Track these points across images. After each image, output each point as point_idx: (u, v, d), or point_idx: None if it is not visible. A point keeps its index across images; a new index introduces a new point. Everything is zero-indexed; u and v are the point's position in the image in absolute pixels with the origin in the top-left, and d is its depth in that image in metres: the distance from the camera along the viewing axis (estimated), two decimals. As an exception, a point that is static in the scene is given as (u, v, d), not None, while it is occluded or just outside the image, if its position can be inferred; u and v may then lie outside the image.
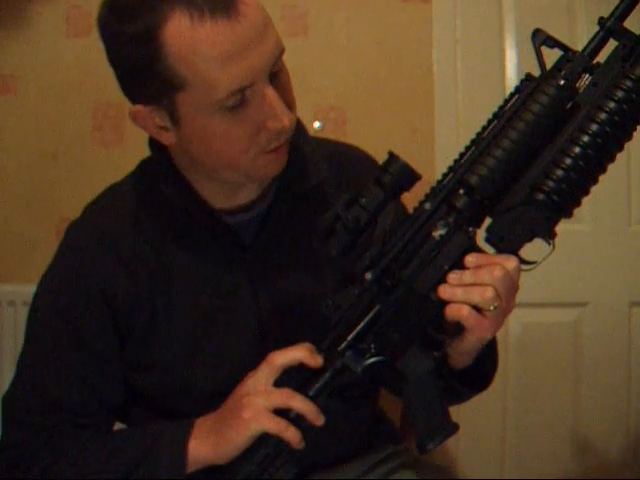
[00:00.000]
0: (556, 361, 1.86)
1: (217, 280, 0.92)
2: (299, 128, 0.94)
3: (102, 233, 0.93)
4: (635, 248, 1.84)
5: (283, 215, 0.94)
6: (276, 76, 0.83)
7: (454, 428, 0.82)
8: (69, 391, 0.91)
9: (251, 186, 0.93)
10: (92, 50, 1.81)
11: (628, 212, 1.83)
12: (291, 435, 0.80)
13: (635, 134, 0.79)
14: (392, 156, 0.81)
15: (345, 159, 1.03)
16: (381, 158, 0.88)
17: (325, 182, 0.96)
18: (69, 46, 1.87)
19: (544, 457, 1.87)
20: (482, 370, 0.91)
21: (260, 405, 0.80)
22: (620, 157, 0.80)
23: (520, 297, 1.85)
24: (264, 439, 0.81)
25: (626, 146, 0.79)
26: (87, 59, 1.84)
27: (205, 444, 0.83)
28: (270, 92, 0.81)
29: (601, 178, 0.81)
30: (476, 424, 1.87)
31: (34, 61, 1.88)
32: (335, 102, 1.86)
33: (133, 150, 1.04)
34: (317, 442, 0.85)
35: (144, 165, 0.99)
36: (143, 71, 0.80)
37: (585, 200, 0.82)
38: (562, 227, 0.82)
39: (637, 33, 0.79)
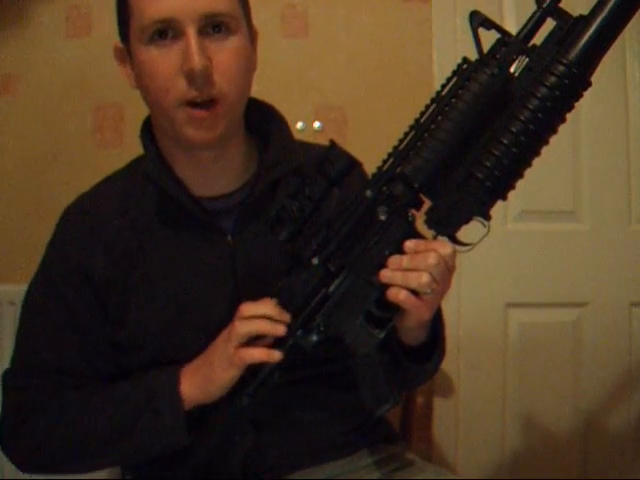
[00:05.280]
0: (556, 361, 1.86)
1: (198, 262, 0.97)
2: (278, 122, 1.01)
3: (87, 216, 1.01)
4: (635, 248, 1.84)
5: (262, 199, 0.98)
6: (213, 35, 0.88)
7: (398, 397, 0.89)
8: (61, 355, 0.98)
9: (224, 175, 0.98)
10: (92, 50, 1.83)
11: (628, 211, 1.83)
12: (275, 355, 0.87)
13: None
14: (332, 145, 0.86)
15: None
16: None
17: (304, 170, 0.99)
18: (69, 46, 1.87)
19: (544, 457, 1.87)
20: (430, 348, 0.97)
21: (233, 347, 0.87)
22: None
23: (520, 297, 1.85)
24: (226, 409, 0.89)
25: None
26: (87, 59, 1.84)
27: (194, 386, 0.90)
28: (190, 34, 0.86)
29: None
30: (475, 424, 1.87)
31: (34, 61, 1.88)
32: (335, 102, 1.86)
33: (133, 151, 1.04)
34: (304, 432, 0.97)
35: (140, 157, 1.05)
36: (119, 7, 0.93)
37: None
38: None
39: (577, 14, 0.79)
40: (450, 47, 1.80)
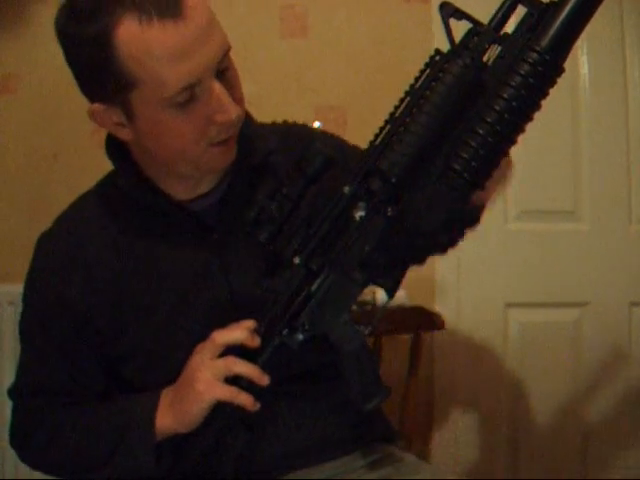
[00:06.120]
0: (556, 361, 1.86)
1: (187, 264, 0.97)
2: (246, 115, 0.99)
3: (62, 243, 0.99)
4: (635, 248, 1.85)
5: (241, 191, 0.98)
6: (223, 73, 0.87)
7: (386, 392, 0.89)
8: (51, 378, 1.00)
9: (209, 177, 0.97)
10: (92, 50, 1.82)
11: (628, 211, 1.83)
12: (243, 399, 0.88)
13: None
14: (310, 143, 0.86)
15: (296, 135, 1.08)
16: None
17: (277, 154, 1.01)
18: (69, 46, 1.87)
19: (543, 456, 1.88)
20: None
21: (210, 377, 0.88)
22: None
23: (520, 297, 1.84)
24: (218, 410, 0.89)
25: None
26: (87, 59, 1.84)
27: (168, 417, 0.92)
28: (217, 87, 0.85)
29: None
30: (475, 424, 1.87)
31: (34, 61, 1.88)
32: (335, 102, 1.86)
33: (133, 150, 1.04)
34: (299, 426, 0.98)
35: (111, 173, 1.04)
36: (98, 71, 0.86)
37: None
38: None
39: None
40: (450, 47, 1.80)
